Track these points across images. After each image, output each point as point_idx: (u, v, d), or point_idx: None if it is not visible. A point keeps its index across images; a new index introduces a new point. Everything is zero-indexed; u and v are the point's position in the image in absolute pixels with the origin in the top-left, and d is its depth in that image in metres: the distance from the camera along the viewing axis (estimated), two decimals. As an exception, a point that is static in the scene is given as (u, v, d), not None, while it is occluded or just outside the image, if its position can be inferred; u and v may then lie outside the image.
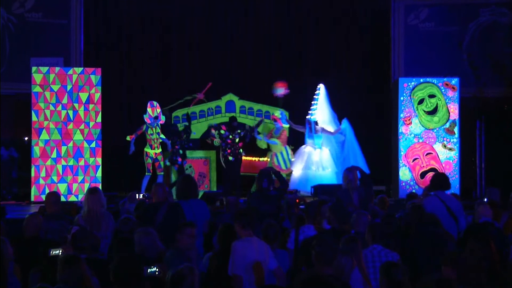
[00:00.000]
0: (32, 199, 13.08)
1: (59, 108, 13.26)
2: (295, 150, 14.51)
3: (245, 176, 14.15)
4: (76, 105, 13.29)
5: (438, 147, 13.74)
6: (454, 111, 13.73)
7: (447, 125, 13.74)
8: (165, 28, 16.58)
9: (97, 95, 13.38)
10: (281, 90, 14.58)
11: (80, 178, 13.25)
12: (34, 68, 13.37)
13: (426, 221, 6.62)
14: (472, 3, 16.05)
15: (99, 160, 13.36)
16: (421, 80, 13.82)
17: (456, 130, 13.73)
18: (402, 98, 13.75)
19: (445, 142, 13.73)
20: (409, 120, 13.74)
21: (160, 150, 13.36)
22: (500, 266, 5.31)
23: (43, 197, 10.72)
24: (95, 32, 16.34)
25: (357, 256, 5.37)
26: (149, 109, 13.33)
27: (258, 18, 16.71)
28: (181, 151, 13.49)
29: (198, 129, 14.72)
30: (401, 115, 13.75)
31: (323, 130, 13.97)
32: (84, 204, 7.10)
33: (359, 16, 16.67)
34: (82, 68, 13.74)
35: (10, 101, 15.54)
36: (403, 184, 13.68)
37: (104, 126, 13.58)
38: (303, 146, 14.16)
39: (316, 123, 14.01)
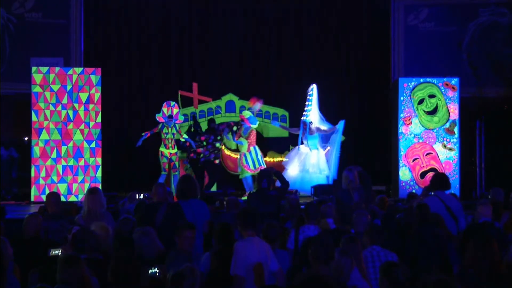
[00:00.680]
0: (32, 199, 13.07)
1: (59, 108, 13.26)
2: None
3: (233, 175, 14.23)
4: (76, 105, 13.28)
5: (438, 147, 13.73)
6: (454, 111, 13.73)
7: (447, 125, 13.73)
8: (165, 28, 16.59)
9: (97, 95, 13.36)
10: (256, 106, 13.95)
11: (80, 178, 13.25)
12: (34, 68, 13.36)
13: (430, 221, 6.63)
14: (471, 3, 16.05)
15: (99, 160, 13.35)
16: (421, 80, 13.81)
17: (456, 130, 13.73)
18: (402, 98, 13.74)
19: (445, 142, 13.72)
20: (409, 120, 13.73)
21: (175, 150, 13.25)
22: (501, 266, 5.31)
23: (43, 197, 10.74)
24: (95, 32, 16.35)
25: (357, 256, 5.36)
26: (164, 109, 13.23)
27: (258, 18, 16.71)
28: (217, 144, 13.60)
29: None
30: (401, 115, 13.74)
31: (318, 129, 13.75)
32: (84, 204, 7.10)
33: (359, 16, 16.66)
34: (82, 68, 13.73)
35: (10, 101, 15.55)
36: (403, 184, 13.68)
37: (104, 126, 13.58)
38: (297, 147, 13.78)
39: (311, 123, 13.72)
